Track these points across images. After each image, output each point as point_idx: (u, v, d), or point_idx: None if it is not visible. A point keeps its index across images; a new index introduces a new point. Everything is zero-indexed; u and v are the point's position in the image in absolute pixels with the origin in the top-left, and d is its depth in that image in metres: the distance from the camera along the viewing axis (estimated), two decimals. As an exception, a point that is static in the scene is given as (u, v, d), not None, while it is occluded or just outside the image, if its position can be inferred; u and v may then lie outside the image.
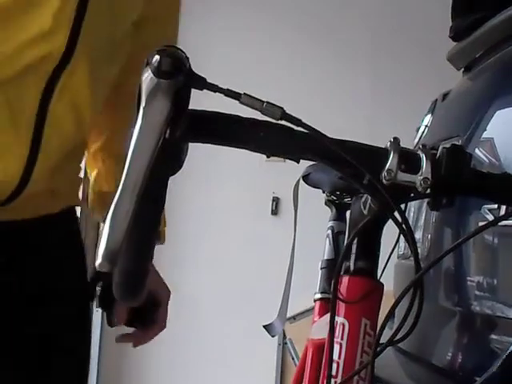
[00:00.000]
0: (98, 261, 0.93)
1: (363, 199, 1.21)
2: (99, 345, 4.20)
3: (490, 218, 1.30)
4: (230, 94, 1.10)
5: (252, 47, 4.50)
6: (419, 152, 1.10)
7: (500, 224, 1.12)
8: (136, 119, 1.01)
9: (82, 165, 1.52)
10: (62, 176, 1.36)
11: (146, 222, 1.08)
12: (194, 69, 1.03)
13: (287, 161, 1.16)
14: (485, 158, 1.42)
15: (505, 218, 1.14)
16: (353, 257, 1.21)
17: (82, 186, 1.53)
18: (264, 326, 2.10)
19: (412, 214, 1.81)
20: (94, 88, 1.33)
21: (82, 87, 1.32)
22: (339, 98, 4.17)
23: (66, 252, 1.48)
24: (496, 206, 1.29)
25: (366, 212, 1.20)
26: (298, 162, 2.14)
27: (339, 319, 1.21)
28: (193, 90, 1.04)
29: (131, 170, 0.98)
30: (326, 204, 2.11)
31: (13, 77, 1.25)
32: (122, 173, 0.93)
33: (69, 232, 1.50)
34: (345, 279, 1.21)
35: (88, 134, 1.46)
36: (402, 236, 1.14)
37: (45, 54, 1.27)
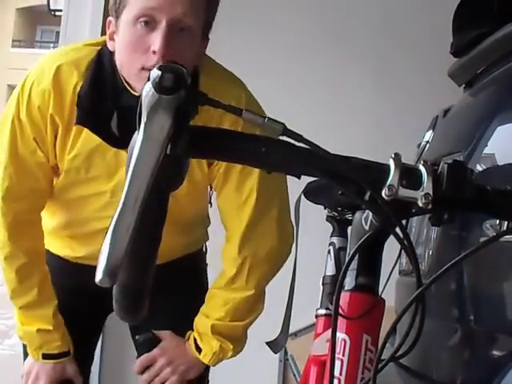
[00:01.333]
0: (98, 276, 0.92)
1: (364, 215, 1.21)
2: (101, 349, 4.20)
3: (492, 233, 1.29)
4: (231, 109, 1.11)
5: (252, 58, 4.51)
6: (420, 168, 1.10)
7: (502, 239, 1.12)
8: (137, 134, 1.01)
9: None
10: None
11: (147, 238, 1.08)
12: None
13: (288, 176, 1.15)
14: (486, 174, 1.42)
15: (506, 233, 1.14)
16: (354, 273, 1.21)
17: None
18: (267, 343, 2.10)
19: (413, 230, 1.80)
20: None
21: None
22: (340, 113, 4.17)
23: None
24: (497, 221, 1.29)
25: (367, 228, 1.19)
26: (299, 178, 2.13)
27: (340, 335, 1.20)
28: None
29: (132, 186, 0.98)
30: (327, 220, 2.11)
31: (97, 230, 1.96)
32: None
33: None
34: (346, 295, 1.21)
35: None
36: (403, 252, 1.14)
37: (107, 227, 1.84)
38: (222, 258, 2.13)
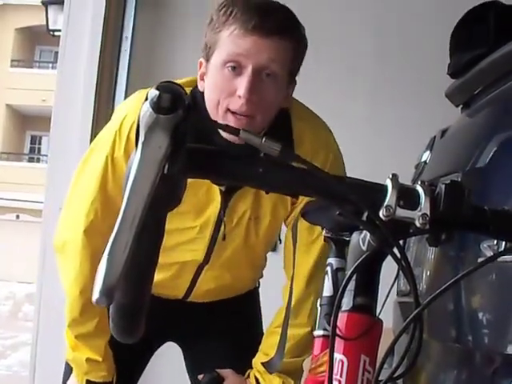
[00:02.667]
0: (95, 296, 0.92)
1: (362, 235, 1.20)
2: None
3: (489, 253, 1.29)
4: (228, 129, 1.11)
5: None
6: (418, 188, 1.10)
7: (499, 260, 1.12)
8: (135, 154, 1.01)
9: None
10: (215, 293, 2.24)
11: (144, 257, 1.07)
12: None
13: (286, 196, 1.15)
14: (484, 194, 1.42)
15: (504, 253, 1.14)
16: (352, 293, 1.21)
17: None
18: (262, 363, 2.10)
19: (411, 250, 1.80)
20: (230, 266, 2.15)
21: (217, 271, 2.14)
22: (336, 132, 4.18)
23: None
24: (495, 241, 1.29)
25: (364, 248, 1.19)
26: (296, 199, 2.13)
27: (338, 356, 1.20)
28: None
29: (130, 205, 0.98)
30: (324, 240, 2.11)
31: (178, 262, 2.12)
32: None
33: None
34: (344, 316, 1.20)
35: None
36: (400, 272, 1.14)
37: (191, 259, 2.13)
38: (283, 294, 2.15)
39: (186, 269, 2.15)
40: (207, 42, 1.90)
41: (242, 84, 1.83)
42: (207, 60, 1.90)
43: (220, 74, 1.86)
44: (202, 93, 1.93)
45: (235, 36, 1.84)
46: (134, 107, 1.97)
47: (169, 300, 2.20)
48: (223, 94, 1.86)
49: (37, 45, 25.55)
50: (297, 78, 1.97)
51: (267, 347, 2.15)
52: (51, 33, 9.08)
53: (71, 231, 2.06)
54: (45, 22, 9.19)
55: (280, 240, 2.25)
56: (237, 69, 1.84)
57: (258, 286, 2.39)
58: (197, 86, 1.95)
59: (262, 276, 2.37)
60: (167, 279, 2.12)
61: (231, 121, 1.86)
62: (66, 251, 2.07)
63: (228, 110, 1.86)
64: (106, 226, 1.99)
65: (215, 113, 1.89)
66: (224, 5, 1.88)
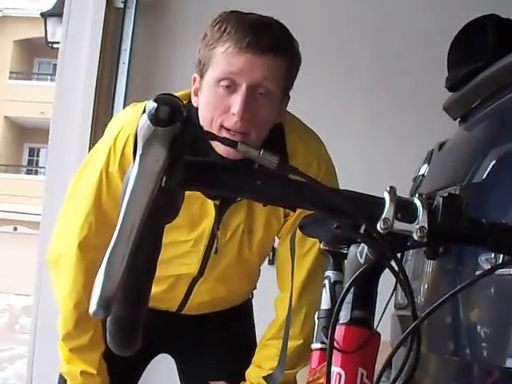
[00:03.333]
0: (92, 308, 0.92)
1: (360, 248, 1.20)
2: None
3: (487, 266, 1.29)
4: (226, 141, 1.11)
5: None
6: (416, 201, 1.10)
7: (497, 273, 1.12)
8: (133, 166, 1.01)
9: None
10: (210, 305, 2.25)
11: (142, 269, 1.07)
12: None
13: (283, 209, 1.15)
14: (482, 207, 1.42)
15: (501, 266, 1.14)
16: (349, 306, 1.21)
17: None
18: (264, 377, 2.10)
19: (409, 263, 1.80)
20: (224, 279, 2.16)
21: (212, 284, 2.15)
22: (334, 145, 4.18)
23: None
24: (492, 254, 1.29)
25: (362, 261, 1.19)
26: (294, 211, 2.13)
27: (336, 369, 1.20)
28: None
29: (127, 217, 0.98)
30: (322, 253, 2.11)
31: (172, 275, 2.12)
32: None
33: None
34: (341, 329, 1.20)
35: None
36: (398, 285, 1.14)
37: (186, 273, 2.14)
38: (276, 306, 2.15)
39: (180, 282, 2.15)
40: (201, 58, 1.90)
41: (236, 102, 1.83)
42: (201, 76, 1.90)
43: (214, 91, 1.87)
44: (196, 108, 1.93)
45: (229, 54, 1.84)
46: (128, 121, 1.97)
47: (163, 312, 2.20)
48: (217, 111, 1.86)
49: (35, 57, 25.57)
50: (293, 89, 1.97)
51: (260, 360, 2.16)
52: (50, 45, 9.10)
53: (65, 245, 2.06)
54: (43, 34, 9.21)
55: (274, 250, 2.25)
56: (231, 87, 1.85)
57: (252, 298, 2.40)
58: (191, 101, 1.95)
59: (255, 287, 2.37)
60: (161, 292, 2.12)
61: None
62: (59, 265, 2.07)
63: (222, 126, 1.86)
64: (100, 240, 1.99)
65: (209, 129, 1.88)
66: (218, 21, 1.88)
